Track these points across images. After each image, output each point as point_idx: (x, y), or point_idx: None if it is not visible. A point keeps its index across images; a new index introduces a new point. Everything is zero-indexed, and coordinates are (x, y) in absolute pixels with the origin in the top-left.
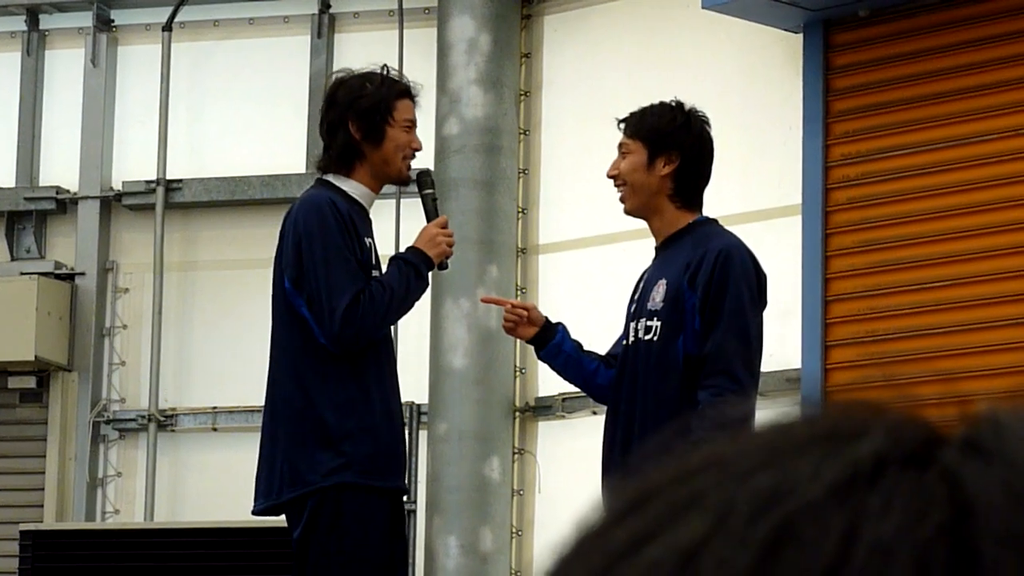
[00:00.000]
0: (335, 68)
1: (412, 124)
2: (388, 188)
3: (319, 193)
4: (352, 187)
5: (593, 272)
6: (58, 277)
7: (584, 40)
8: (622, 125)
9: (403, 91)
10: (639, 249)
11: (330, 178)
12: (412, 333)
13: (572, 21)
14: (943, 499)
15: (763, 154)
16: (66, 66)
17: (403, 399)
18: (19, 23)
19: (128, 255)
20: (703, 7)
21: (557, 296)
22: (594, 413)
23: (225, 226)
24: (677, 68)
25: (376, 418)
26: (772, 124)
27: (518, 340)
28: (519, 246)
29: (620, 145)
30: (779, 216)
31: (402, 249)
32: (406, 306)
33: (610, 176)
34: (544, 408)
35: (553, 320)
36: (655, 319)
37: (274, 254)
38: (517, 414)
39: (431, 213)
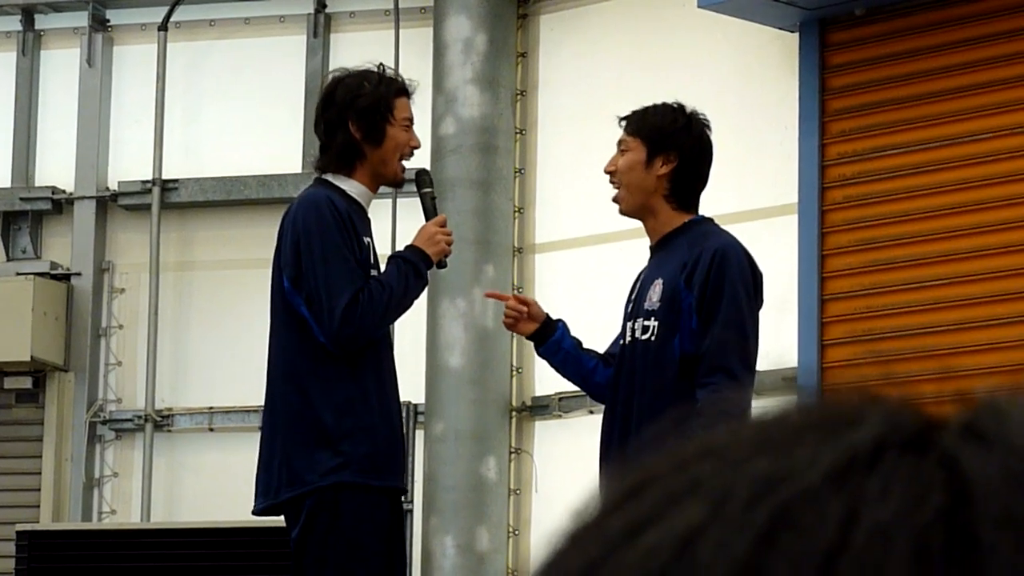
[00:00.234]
0: (331, 68)
1: (410, 122)
2: (385, 187)
3: (317, 192)
4: (351, 186)
5: (589, 271)
6: (54, 277)
7: (580, 39)
8: (623, 122)
9: (401, 89)
10: (635, 249)
11: (329, 177)
12: (408, 332)
13: (568, 21)
14: (942, 483)
15: (759, 153)
16: (62, 66)
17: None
18: (14, 23)
19: (124, 255)
20: (699, 6)
21: (553, 295)
22: (591, 412)
23: (221, 226)
24: (673, 67)
25: (375, 417)
26: (768, 123)
27: (515, 339)
28: (515, 246)
29: (620, 142)
30: (775, 215)
31: (399, 248)
32: (405, 305)
33: (607, 172)
34: (541, 407)
35: (561, 318)
36: (652, 319)
37: (271, 254)
38: (513, 413)
39: (430, 212)
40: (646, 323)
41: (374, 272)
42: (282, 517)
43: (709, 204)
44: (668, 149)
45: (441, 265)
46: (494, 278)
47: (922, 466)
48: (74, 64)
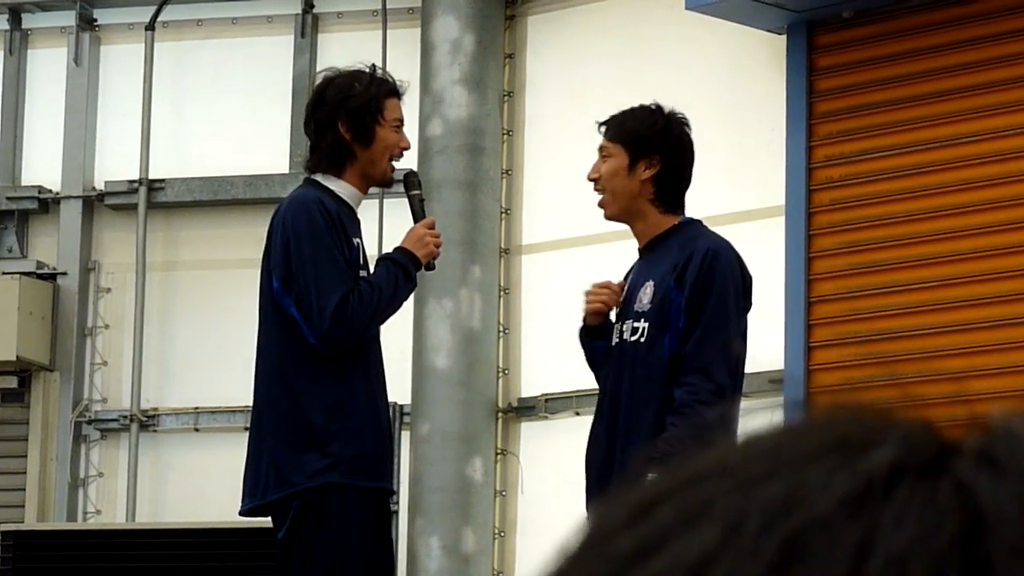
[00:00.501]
0: (319, 68)
1: (401, 123)
2: (373, 188)
3: (307, 193)
4: (340, 187)
5: (576, 273)
6: (40, 277)
7: (568, 41)
8: (603, 128)
9: (391, 90)
10: (622, 250)
11: (318, 178)
12: (395, 333)
13: (556, 22)
14: (957, 512)
15: (746, 155)
16: (49, 65)
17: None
18: (1, 22)
19: (110, 255)
20: (687, 8)
21: (540, 297)
22: (577, 414)
23: (208, 226)
24: (661, 69)
25: (362, 419)
26: (755, 125)
27: (501, 340)
28: (502, 247)
29: (601, 148)
30: (762, 217)
31: (387, 249)
32: (394, 306)
33: (590, 179)
34: (527, 409)
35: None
36: (642, 320)
37: (259, 254)
38: (500, 415)
39: (418, 214)
40: (636, 325)
41: (363, 273)
42: (269, 518)
43: (696, 205)
44: (650, 153)
45: (429, 267)
46: (481, 279)
47: (937, 494)
48: (61, 63)
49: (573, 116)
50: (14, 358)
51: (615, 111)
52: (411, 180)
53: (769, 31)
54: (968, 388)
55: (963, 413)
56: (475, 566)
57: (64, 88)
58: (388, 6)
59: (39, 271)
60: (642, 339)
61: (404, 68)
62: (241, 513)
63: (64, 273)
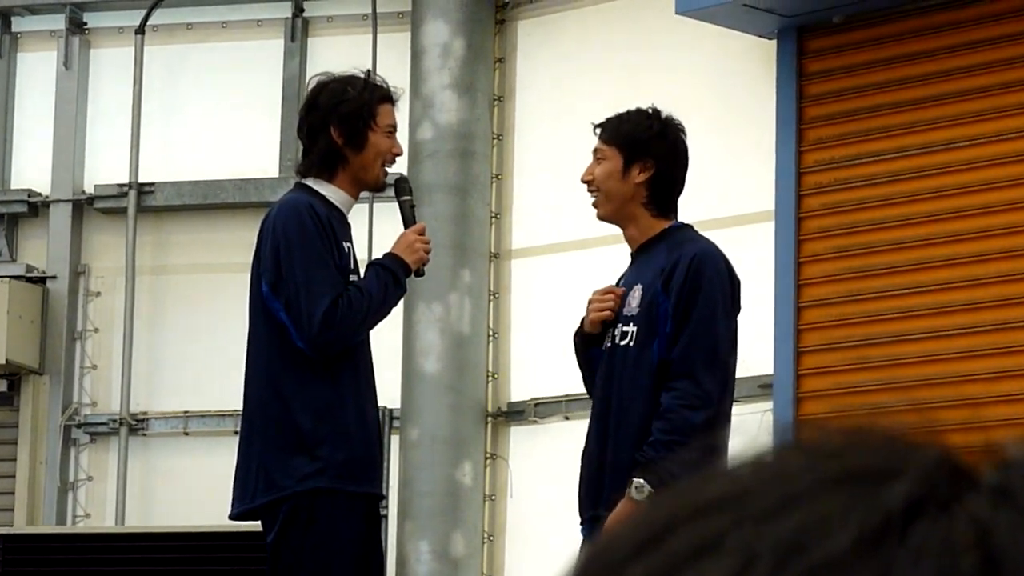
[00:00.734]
0: (309, 72)
1: (393, 129)
2: (363, 192)
3: (298, 197)
4: (331, 192)
5: (566, 277)
6: (29, 280)
7: (558, 45)
8: (598, 130)
9: (384, 96)
10: (612, 254)
11: (309, 182)
12: (384, 338)
13: (546, 26)
14: (972, 550)
15: (736, 160)
16: (38, 69)
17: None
18: None
19: (100, 259)
20: (677, 13)
21: (530, 301)
22: (566, 419)
23: (197, 230)
24: (651, 73)
25: (351, 423)
26: (745, 130)
27: (491, 345)
28: (492, 251)
29: (595, 151)
30: (752, 222)
31: (377, 254)
32: (384, 312)
33: (584, 181)
34: (516, 413)
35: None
36: (631, 324)
37: (248, 258)
38: (489, 419)
39: (409, 219)
40: (625, 328)
41: (354, 277)
42: (258, 522)
43: (685, 210)
44: (644, 157)
45: (419, 273)
46: (470, 283)
47: (954, 533)
48: (51, 67)
49: (563, 121)
50: (4, 362)
51: (604, 115)
52: (402, 186)
53: (759, 36)
54: (964, 393)
55: (961, 416)
56: (464, 570)
57: (54, 92)
58: (378, 10)
59: (29, 275)
60: (631, 343)
61: (394, 72)
62: (231, 517)
63: (54, 277)
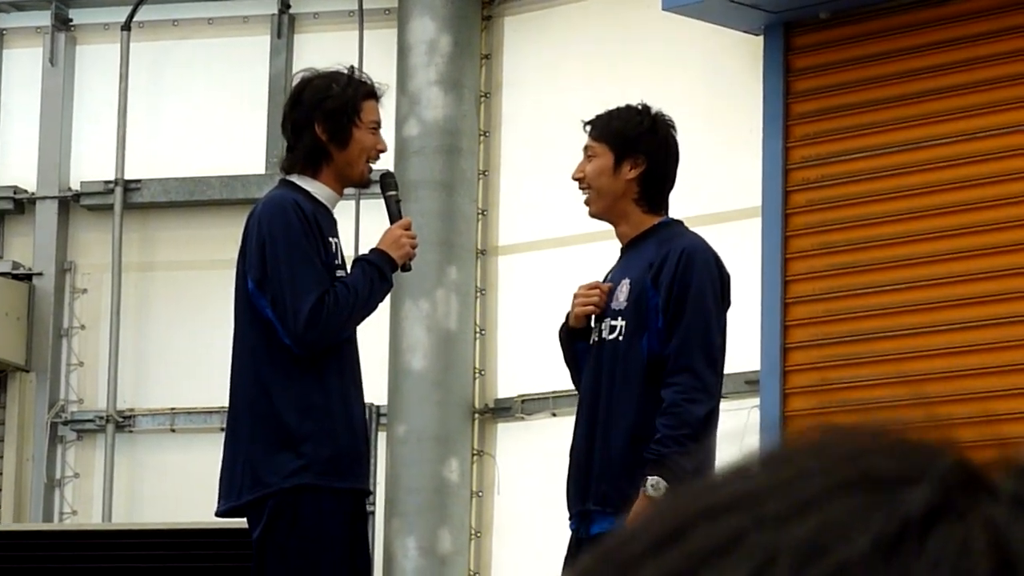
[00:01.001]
0: (295, 69)
1: (378, 125)
2: (349, 188)
3: (283, 194)
4: (316, 188)
5: (553, 273)
6: (16, 277)
7: (545, 41)
8: (588, 127)
9: (369, 92)
10: (599, 251)
11: (294, 179)
12: (371, 334)
13: (533, 22)
14: (989, 558)
15: (723, 156)
16: (24, 65)
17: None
18: None
19: (86, 255)
20: (663, 9)
21: (517, 297)
22: (553, 415)
23: (184, 227)
24: (637, 70)
25: (337, 420)
26: (732, 126)
27: (478, 341)
28: (479, 247)
29: (586, 148)
30: (739, 218)
31: (363, 250)
32: (370, 308)
33: (575, 179)
34: (503, 410)
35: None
36: (620, 319)
37: (234, 255)
38: (476, 416)
39: (395, 215)
40: (613, 323)
41: (340, 273)
42: (244, 519)
43: (672, 206)
44: (635, 153)
45: (405, 268)
46: (457, 280)
47: (971, 540)
48: (36, 63)
49: (550, 117)
50: None
51: (591, 112)
52: (387, 181)
53: (746, 32)
54: (952, 389)
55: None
56: (451, 567)
57: (39, 88)
58: (364, 7)
59: (15, 271)
60: (620, 337)
61: (381, 69)
62: (217, 514)
63: (40, 274)
